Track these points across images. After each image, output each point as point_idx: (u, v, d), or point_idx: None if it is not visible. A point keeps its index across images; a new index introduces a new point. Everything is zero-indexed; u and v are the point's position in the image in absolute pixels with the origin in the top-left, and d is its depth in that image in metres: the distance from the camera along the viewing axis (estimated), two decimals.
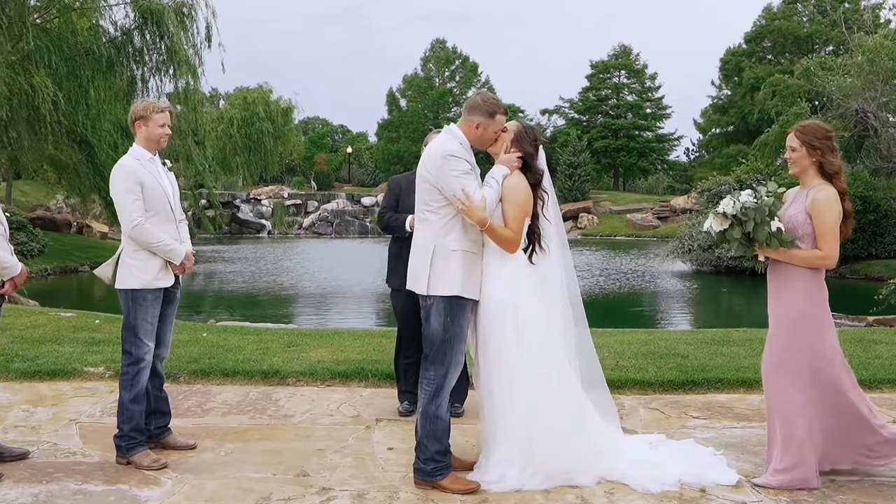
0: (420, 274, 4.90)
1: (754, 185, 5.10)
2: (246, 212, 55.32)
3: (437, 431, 4.89)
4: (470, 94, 73.47)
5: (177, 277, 5.51)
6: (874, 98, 24.59)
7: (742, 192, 4.99)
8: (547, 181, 5.15)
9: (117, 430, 5.32)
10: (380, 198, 44.79)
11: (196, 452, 5.51)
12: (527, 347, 4.87)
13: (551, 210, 5.16)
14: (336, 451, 5.55)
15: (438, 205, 4.87)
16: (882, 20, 31.25)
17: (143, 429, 5.36)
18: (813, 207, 4.86)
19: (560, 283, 5.18)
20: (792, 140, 5.00)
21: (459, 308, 4.83)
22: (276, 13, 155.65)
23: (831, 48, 47.32)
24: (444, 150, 4.86)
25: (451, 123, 5.06)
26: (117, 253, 5.47)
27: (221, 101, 62.09)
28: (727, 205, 4.94)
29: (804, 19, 58.89)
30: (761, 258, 5.03)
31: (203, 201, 39.46)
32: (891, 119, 25.35)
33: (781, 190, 5.04)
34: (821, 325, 4.90)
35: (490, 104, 4.95)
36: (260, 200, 56.71)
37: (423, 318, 4.94)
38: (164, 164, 5.61)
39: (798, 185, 5.14)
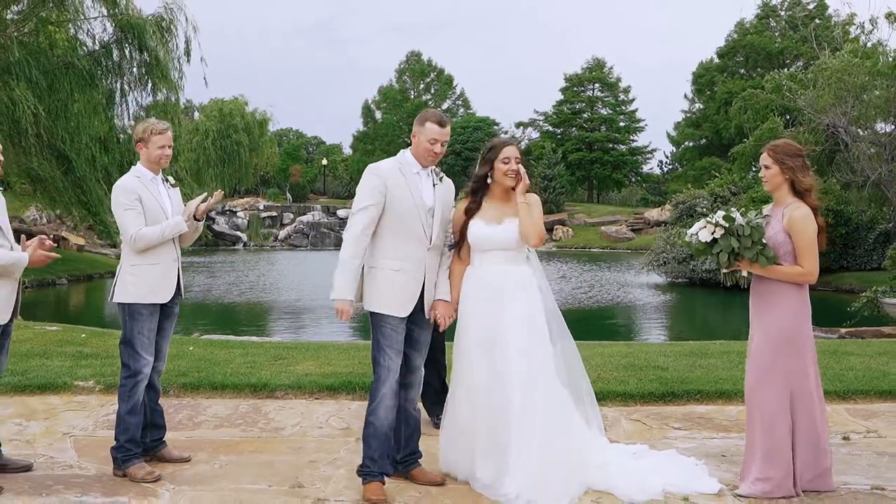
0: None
1: (734, 210, 5.22)
2: (221, 224, 55.19)
3: (367, 436, 5.09)
4: (444, 106, 73.93)
5: (177, 292, 5.61)
6: (845, 113, 24.96)
7: (736, 211, 5.16)
8: None
9: (114, 442, 5.43)
10: None
11: (191, 465, 5.61)
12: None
13: None
14: (328, 462, 5.68)
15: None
16: (851, 36, 31.56)
17: (139, 441, 5.46)
18: (791, 226, 5.04)
19: None
20: (765, 158, 5.20)
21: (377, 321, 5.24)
22: (251, 26, 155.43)
23: (801, 63, 47.88)
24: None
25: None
26: None
27: (196, 113, 61.69)
28: (723, 216, 5.08)
29: (776, 34, 59.69)
30: (744, 273, 5.22)
31: None
32: (861, 133, 25.75)
33: (764, 215, 5.23)
34: (804, 343, 5.09)
35: (424, 113, 5.19)
36: (235, 212, 56.59)
37: None
38: (166, 180, 5.74)
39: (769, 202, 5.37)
